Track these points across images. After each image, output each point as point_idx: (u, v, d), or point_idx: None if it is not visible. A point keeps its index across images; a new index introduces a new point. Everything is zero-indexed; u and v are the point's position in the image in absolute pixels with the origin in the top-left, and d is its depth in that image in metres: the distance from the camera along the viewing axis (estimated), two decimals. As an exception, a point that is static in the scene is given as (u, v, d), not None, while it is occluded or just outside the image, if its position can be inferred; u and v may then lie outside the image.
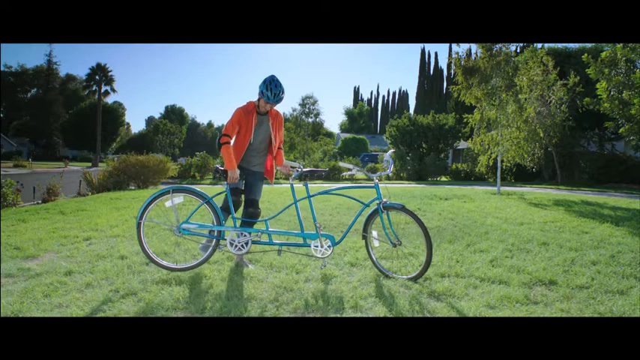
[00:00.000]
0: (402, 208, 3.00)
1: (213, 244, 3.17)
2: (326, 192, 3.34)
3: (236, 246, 3.08)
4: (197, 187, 3.28)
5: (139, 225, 3.09)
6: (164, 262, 3.12)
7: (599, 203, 8.21)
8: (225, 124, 3.32)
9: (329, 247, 3.11)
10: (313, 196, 3.25)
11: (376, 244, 3.22)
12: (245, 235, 3.10)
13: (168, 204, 3.11)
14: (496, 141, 10.25)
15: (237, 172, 3.17)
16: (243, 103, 3.37)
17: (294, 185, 3.33)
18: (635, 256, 3.72)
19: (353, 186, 3.34)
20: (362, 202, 3.24)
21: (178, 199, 3.14)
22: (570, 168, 16.19)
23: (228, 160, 3.17)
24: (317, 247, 3.11)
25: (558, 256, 3.74)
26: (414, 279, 2.97)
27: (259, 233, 3.16)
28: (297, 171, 3.17)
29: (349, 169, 3.31)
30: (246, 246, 3.10)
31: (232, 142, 3.27)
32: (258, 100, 3.28)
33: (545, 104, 11.93)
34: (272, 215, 3.38)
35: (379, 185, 3.15)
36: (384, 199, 3.08)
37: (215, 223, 3.15)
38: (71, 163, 31.88)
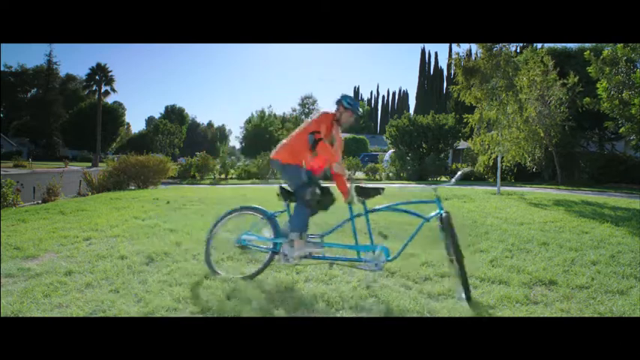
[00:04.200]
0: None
1: (269, 256, 3.16)
2: (388, 207, 3.07)
3: (292, 258, 3.02)
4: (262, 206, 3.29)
5: (208, 240, 3.20)
6: (222, 273, 3.14)
7: (599, 203, 8.21)
8: (310, 125, 3.12)
9: (382, 261, 2.92)
10: (372, 211, 3.05)
11: None
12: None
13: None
14: (496, 141, 10.24)
15: None
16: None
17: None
18: (635, 256, 3.72)
19: (415, 201, 3.18)
20: (423, 217, 2.94)
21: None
22: (570, 168, 16.18)
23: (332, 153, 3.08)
24: (370, 261, 2.94)
25: (558, 256, 3.74)
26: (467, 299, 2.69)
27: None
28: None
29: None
30: (302, 259, 3.07)
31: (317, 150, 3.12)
32: (341, 113, 3.22)
33: (546, 104, 11.94)
34: (327, 230, 3.18)
35: (439, 200, 2.90)
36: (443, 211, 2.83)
37: (273, 237, 3.15)
38: (71, 163, 31.85)
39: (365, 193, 3.02)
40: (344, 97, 3.25)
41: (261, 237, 3.21)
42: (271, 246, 3.13)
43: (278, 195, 3.20)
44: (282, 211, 3.26)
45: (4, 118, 48.34)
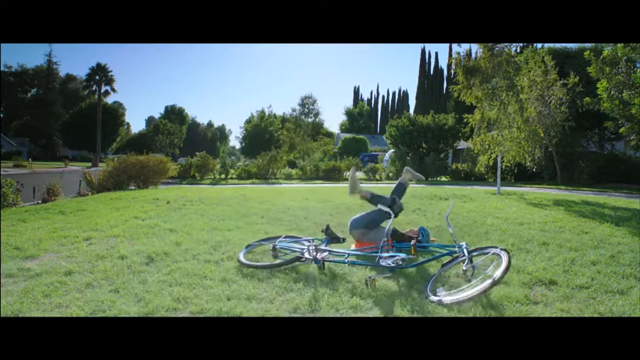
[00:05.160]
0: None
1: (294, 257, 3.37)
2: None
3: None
4: None
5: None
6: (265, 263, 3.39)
7: (599, 203, 8.20)
8: None
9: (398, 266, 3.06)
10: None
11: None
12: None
13: None
14: (497, 141, 10.24)
15: None
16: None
17: None
18: (635, 256, 3.72)
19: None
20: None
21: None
22: (570, 168, 16.17)
23: None
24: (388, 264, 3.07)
25: (558, 256, 3.74)
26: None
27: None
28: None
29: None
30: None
31: None
32: None
33: (546, 104, 11.93)
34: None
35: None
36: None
37: None
38: (71, 163, 31.83)
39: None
40: None
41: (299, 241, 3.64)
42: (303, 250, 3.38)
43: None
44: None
45: (4, 118, 48.39)
